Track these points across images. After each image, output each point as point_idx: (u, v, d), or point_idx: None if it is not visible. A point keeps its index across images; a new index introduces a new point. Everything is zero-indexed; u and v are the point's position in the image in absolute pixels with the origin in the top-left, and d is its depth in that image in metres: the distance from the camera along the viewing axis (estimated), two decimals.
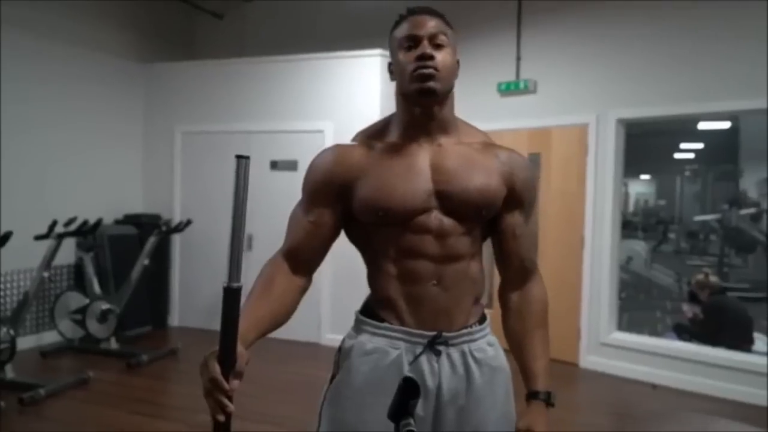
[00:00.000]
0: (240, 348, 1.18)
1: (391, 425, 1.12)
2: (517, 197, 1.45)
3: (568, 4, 5.37)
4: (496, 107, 5.76)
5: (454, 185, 1.38)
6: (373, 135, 1.49)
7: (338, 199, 1.41)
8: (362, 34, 6.06)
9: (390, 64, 1.50)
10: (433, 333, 1.38)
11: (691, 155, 15.65)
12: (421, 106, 1.41)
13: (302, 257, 1.43)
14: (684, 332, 5.79)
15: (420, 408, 1.34)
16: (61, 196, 5.41)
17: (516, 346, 1.50)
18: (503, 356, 1.52)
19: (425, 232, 1.38)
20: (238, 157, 1.14)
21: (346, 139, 5.27)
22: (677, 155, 15.75)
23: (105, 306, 5.10)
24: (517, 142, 5.64)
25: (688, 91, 4.78)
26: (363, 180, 1.39)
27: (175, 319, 6.36)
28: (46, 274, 4.66)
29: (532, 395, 1.43)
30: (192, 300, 6.18)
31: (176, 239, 6.25)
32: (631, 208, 17.89)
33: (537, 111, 5.53)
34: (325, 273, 5.76)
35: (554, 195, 5.45)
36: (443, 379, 1.38)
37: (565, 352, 5.31)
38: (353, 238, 1.51)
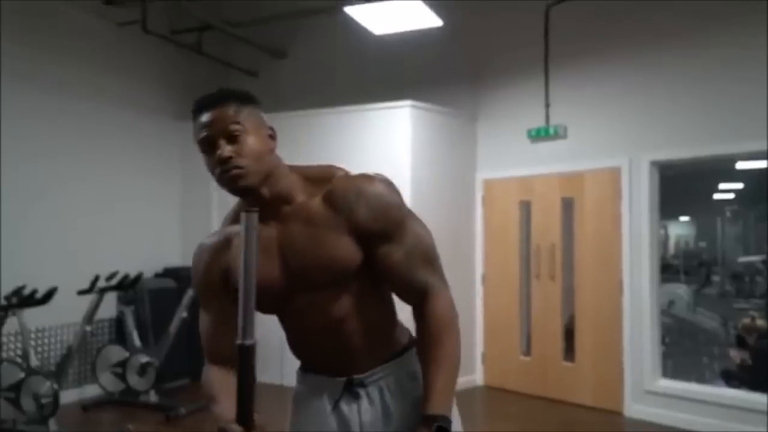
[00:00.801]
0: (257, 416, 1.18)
1: None
2: (372, 233, 1.38)
3: (594, 49, 5.43)
4: (527, 153, 5.79)
5: (302, 264, 1.37)
6: (235, 218, 1.46)
7: (225, 291, 1.40)
8: (392, 85, 6.21)
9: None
10: (344, 378, 1.46)
11: (731, 195, 15.32)
12: (245, 198, 1.41)
13: (220, 353, 1.40)
14: (732, 378, 5.57)
15: None
16: (103, 250, 5.57)
17: (422, 370, 1.41)
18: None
19: (301, 311, 1.42)
20: (246, 211, 1.13)
21: None
22: (717, 196, 15.43)
23: (145, 359, 5.16)
24: (549, 187, 5.64)
25: (723, 130, 4.74)
26: (230, 274, 1.40)
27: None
28: (88, 328, 4.77)
29: (424, 419, 1.30)
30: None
31: None
32: (671, 250, 17.49)
33: (568, 156, 5.54)
34: None
35: (589, 239, 5.40)
36: (363, 417, 1.45)
37: (608, 400, 5.16)
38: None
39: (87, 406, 5.15)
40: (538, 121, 5.71)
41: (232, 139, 1.33)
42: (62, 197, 5.32)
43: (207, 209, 6.47)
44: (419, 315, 1.43)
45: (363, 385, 1.46)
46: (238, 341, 1.13)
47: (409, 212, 1.46)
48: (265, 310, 1.41)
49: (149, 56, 6.30)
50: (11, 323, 4.42)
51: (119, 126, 5.93)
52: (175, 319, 5.33)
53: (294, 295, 1.40)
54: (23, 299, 4.38)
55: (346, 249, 1.37)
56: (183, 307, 5.38)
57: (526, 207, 5.90)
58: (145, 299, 5.65)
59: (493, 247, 6.07)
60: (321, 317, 1.41)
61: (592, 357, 5.33)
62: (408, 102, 5.65)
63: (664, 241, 14.55)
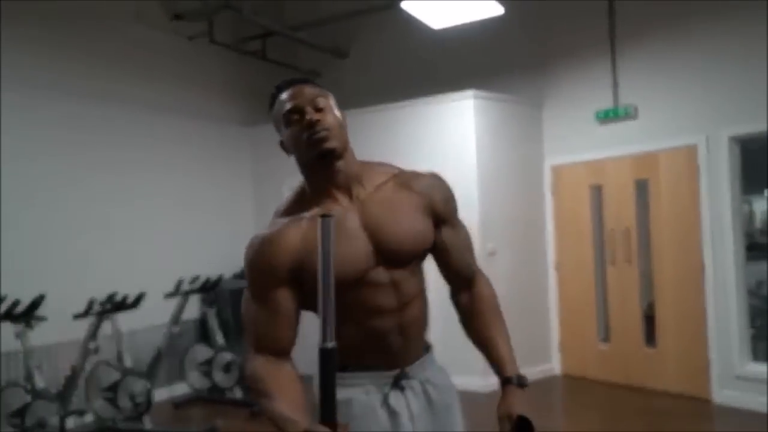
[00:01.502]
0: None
1: None
2: (441, 216, 1.54)
3: (661, 24, 5.24)
4: (596, 136, 5.65)
5: (389, 238, 1.44)
6: (293, 210, 1.49)
7: (289, 279, 1.40)
8: (454, 77, 6.19)
9: (281, 142, 1.53)
10: (395, 371, 1.50)
11: None
12: (326, 168, 1.44)
13: (276, 345, 1.41)
14: None
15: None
16: (183, 255, 5.83)
17: (480, 342, 1.60)
18: (448, 375, 1.67)
19: (378, 288, 1.44)
20: (323, 216, 1.16)
21: (447, 180, 5.30)
22: None
23: (229, 357, 5.39)
24: (621, 170, 5.48)
25: None
26: (305, 256, 1.38)
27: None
28: (175, 330, 5.02)
29: (505, 381, 1.52)
30: (306, 347, 6.38)
31: None
32: (758, 227, 16.55)
33: (640, 136, 5.36)
34: (433, 315, 5.76)
35: (666, 221, 5.21)
36: (412, 408, 1.51)
37: (695, 386, 4.98)
38: (312, 307, 1.41)
39: (178, 404, 5.42)
40: (607, 103, 5.55)
41: (319, 110, 1.43)
42: (143, 207, 5.60)
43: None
44: (471, 294, 1.62)
45: (408, 377, 1.53)
46: (320, 345, 1.16)
47: None
48: (344, 291, 1.34)
49: (216, 66, 6.53)
50: (105, 327, 4.71)
51: (192, 136, 6.17)
52: None
53: (375, 272, 1.44)
54: (116, 304, 4.66)
55: (425, 225, 1.50)
56: None
57: (597, 191, 5.75)
58: (226, 300, 5.88)
59: (564, 234, 5.96)
60: (395, 295, 1.46)
61: (676, 342, 5.16)
62: (471, 92, 5.62)
63: (749, 218, 13.79)
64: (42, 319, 4.22)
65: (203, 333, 5.92)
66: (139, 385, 4.53)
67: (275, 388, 1.35)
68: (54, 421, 4.07)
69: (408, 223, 1.47)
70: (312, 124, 1.41)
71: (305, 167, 1.49)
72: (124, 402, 4.51)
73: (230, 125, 6.66)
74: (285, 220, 1.47)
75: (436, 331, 6.48)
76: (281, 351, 1.41)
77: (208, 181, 6.34)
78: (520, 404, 1.47)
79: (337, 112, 1.49)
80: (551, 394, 5.56)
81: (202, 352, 5.53)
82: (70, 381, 4.44)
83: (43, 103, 4.93)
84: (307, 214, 1.45)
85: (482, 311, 1.61)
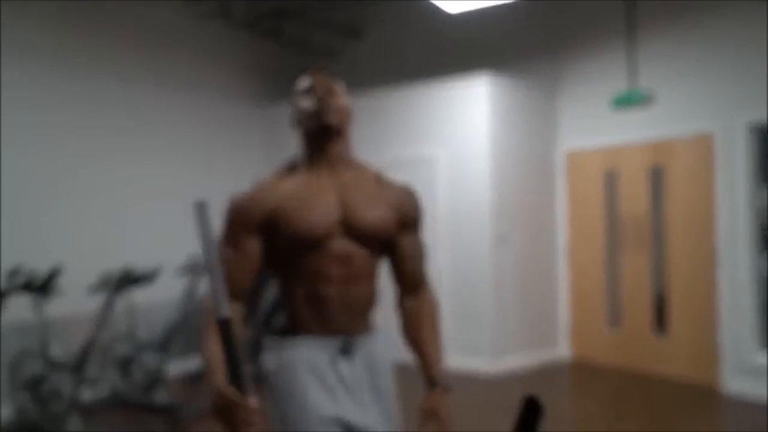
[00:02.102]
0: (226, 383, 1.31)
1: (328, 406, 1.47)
2: (407, 221, 1.69)
3: (680, 6, 5.16)
4: (611, 122, 5.60)
5: (356, 214, 1.59)
6: (283, 173, 1.66)
7: (259, 230, 1.57)
8: (469, 60, 6.14)
9: (292, 115, 1.70)
10: (341, 338, 1.60)
11: None
12: (323, 140, 1.61)
13: (234, 287, 1.56)
14: None
15: (343, 399, 1.57)
16: (194, 231, 5.86)
17: (415, 345, 1.73)
18: (389, 358, 1.74)
19: (330, 256, 1.57)
20: (197, 202, 1.25)
21: (460, 163, 5.39)
22: None
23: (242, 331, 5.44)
24: (636, 156, 5.45)
25: None
26: (278, 211, 1.56)
27: None
28: (189, 306, 5.07)
29: (432, 382, 1.67)
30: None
31: None
32: None
33: (655, 122, 5.31)
34: (443, 298, 5.80)
35: (680, 209, 5.18)
36: (354, 375, 1.61)
37: (704, 374, 4.98)
38: (271, 265, 1.63)
39: (192, 377, 5.49)
40: (623, 88, 5.50)
41: (331, 92, 1.61)
42: (157, 183, 5.64)
43: None
44: (416, 299, 1.75)
45: (355, 344, 1.64)
46: (217, 316, 1.26)
47: None
48: (305, 246, 1.55)
49: (230, 46, 6.52)
50: (120, 301, 4.77)
51: (205, 115, 6.19)
52: (266, 295, 5.57)
53: (335, 239, 1.57)
54: (131, 278, 4.71)
55: (390, 219, 1.64)
56: (269, 282, 5.61)
57: (611, 177, 5.72)
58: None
59: (577, 219, 5.94)
60: (346, 268, 1.59)
61: (686, 329, 5.15)
62: (485, 75, 5.57)
63: (766, 207, 13.67)
64: (58, 291, 4.28)
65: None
66: (152, 359, 4.59)
67: (212, 332, 1.45)
68: (68, 391, 4.14)
69: (376, 209, 1.62)
70: (324, 97, 1.59)
71: (305, 137, 1.65)
72: (138, 375, 4.58)
73: (244, 105, 6.67)
74: (271, 180, 1.64)
75: (444, 319, 6.51)
76: (238, 292, 1.57)
77: (221, 158, 6.36)
78: (445, 405, 1.62)
79: (347, 101, 1.66)
80: (559, 378, 5.58)
81: None
82: (85, 353, 4.51)
83: (58, 81, 4.97)
84: (290, 181, 1.62)
85: (422, 318, 1.74)
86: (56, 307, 4.45)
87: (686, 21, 5.15)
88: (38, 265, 4.30)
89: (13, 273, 4.06)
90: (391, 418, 1.68)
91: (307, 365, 1.58)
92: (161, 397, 4.63)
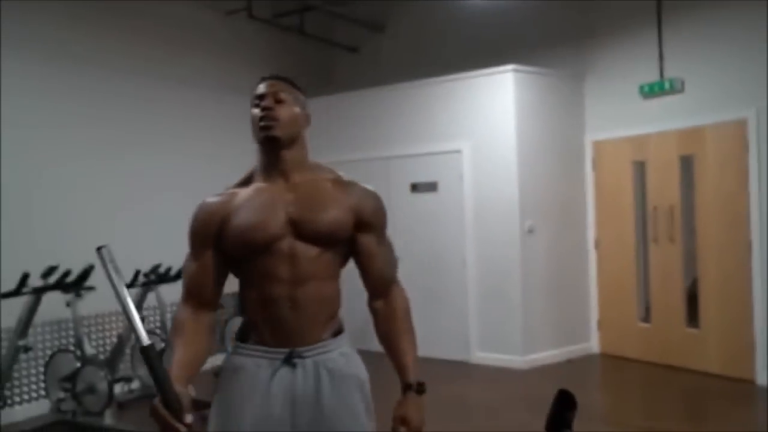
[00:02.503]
0: (179, 388, 1.39)
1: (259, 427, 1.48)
2: (366, 224, 1.67)
3: None
4: (640, 111, 5.50)
5: (304, 214, 1.60)
6: (239, 184, 1.69)
7: (215, 242, 1.62)
8: (493, 51, 6.09)
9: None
10: (288, 349, 1.59)
11: None
12: (271, 151, 1.64)
13: (200, 297, 1.63)
14: None
15: (278, 414, 1.57)
16: None
17: (387, 347, 1.72)
18: (358, 365, 1.70)
19: (279, 257, 1.58)
20: (98, 248, 1.36)
21: (486, 156, 5.34)
22: None
23: None
24: (665, 145, 5.35)
25: None
26: (230, 220, 1.60)
27: None
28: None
29: (405, 387, 1.65)
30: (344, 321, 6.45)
31: None
32: None
33: (686, 110, 5.21)
34: (472, 292, 5.78)
35: (712, 198, 5.07)
36: (297, 388, 1.59)
37: (738, 367, 4.88)
38: (234, 272, 1.68)
39: (218, 373, 5.55)
40: (651, 76, 5.39)
41: (278, 101, 1.64)
42: (183, 180, 5.69)
43: None
44: (386, 301, 1.73)
45: (302, 357, 1.61)
46: (140, 345, 1.31)
47: None
48: (255, 250, 1.58)
49: (253, 42, 6.56)
50: (150, 298, 4.85)
51: (230, 111, 6.18)
52: None
53: (283, 240, 1.58)
54: (160, 276, 4.79)
55: (342, 219, 1.63)
56: None
57: (640, 167, 5.63)
58: None
59: (605, 211, 5.86)
60: (291, 269, 1.58)
61: (719, 322, 5.05)
62: (510, 66, 5.52)
63: None
64: (91, 288, 4.36)
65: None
66: None
67: (183, 337, 1.57)
68: (102, 386, 4.22)
69: (327, 211, 1.61)
70: (265, 109, 1.62)
71: (258, 145, 1.68)
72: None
73: None
74: (229, 191, 1.67)
75: (474, 313, 6.49)
76: (205, 303, 1.63)
77: (247, 154, 6.38)
78: (417, 411, 1.62)
79: (296, 109, 1.67)
80: (589, 373, 5.52)
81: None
82: (117, 349, 4.59)
83: (80, 77, 5.02)
84: (244, 190, 1.66)
85: (394, 320, 1.72)
86: (89, 305, 4.54)
87: (715, 6, 5.03)
88: (72, 263, 4.38)
89: (48, 272, 4.14)
90: None
91: (247, 376, 1.61)
92: (191, 391, 4.68)
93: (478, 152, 5.72)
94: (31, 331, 4.18)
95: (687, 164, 5.27)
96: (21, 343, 3.76)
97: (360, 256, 1.70)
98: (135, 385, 4.86)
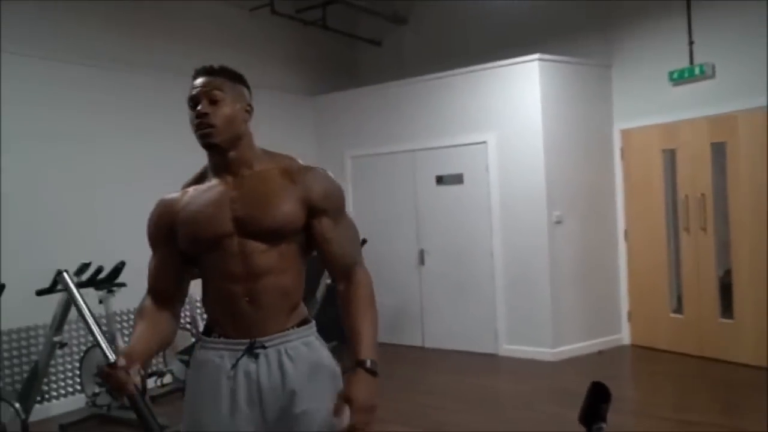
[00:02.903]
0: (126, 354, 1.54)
1: (222, 425, 1.56)
2: (317, 208, 1.64)
3: None
4: (669, 98, 5.40)
5: (248, 211, 1.59)
6: (192, 182, 1.71)
7: (169, 240, 1.65)
8: (518, 41, 6.02)
9: None
10: (248, 340, 1.60)
11: None
12: (214, 154, 1.64)
13: (161, 293, 1.68)
14: None
15: (245, 405, 1.58)
16: None
17: (348, 328, 1.63)
18: (324, 355, 1.69)
19: (229, 254, 1.59)
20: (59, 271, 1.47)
21: (511, 146, 5.31)
22: None
23: None
24: (696, 132, 5.25)
25: None
26: (179, 218, 1.63)
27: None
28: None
29: (356, 364, 1.55)
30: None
31: None
32: None
33: (717, 97, 5.09)
34: (499, 285, 5.75)
35: (745, 186, 4.96)
36: (261, 378, 1.60)
37: None
38: (194, 267, 1.70)
39: None
40: (681, 62, 5.29)
41: (213, 102, 1.60)
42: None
43: (341, 178, 6.71)
44: (347, 282, 1.67)
45: (263, 347, 1.61)
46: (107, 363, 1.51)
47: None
48: (203, 248, 1.60)
49: (277, 37, 6.59)
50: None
51: (255, 107, 6.26)
52: (321, 285, 5.63)
53: (231, 238, 1.59)
54: None
55: (292, 210, 1.61)
56: (327, 273, 5.65)
57: (670, 156, 5.52)
58: None
59: (635, 201, 5.77)
60: (243, 265, 1.59)
61: (754, 313, 4.94)
62: (536, 56, 5.46)
63: None
64: (122, 285, 4.44)
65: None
66: None
67: (144, 318, 1.65)
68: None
69: (274, 205, 1.59)
70: (200, 116, 1.59)
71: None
72: None
73: (293, 95, 6.73)
74: (182, 189, 1.70)
75: (501, 306, 6.45)
76: (165, 296, 1.68)
77: (272, 148, 6.43)
78: (364, 390, 1.51)
79: (235, 106, 1.64)
80: (620, 365, 5.46)
81: None
82: None
83: (104, 74, 5.07)
84: (194, 188, 1.68)
85: (354, 301, 1.65)
86: (121, 301, 4.61)
87: None
88: (104, 261, 4.46)
89: (81, 269, 4.22)
90: (312, 423, 1.58)
91: (211, 369, 1.63)
92: (140, 371, 4.72)
93: (504, 143, 5.67)
94: (66, 327, 4.26)
95: (719, 151, 5.16)
96: (56, 339, 3.84)
97: (316, 241, 1.67)
98: (167, 379, 4.93)
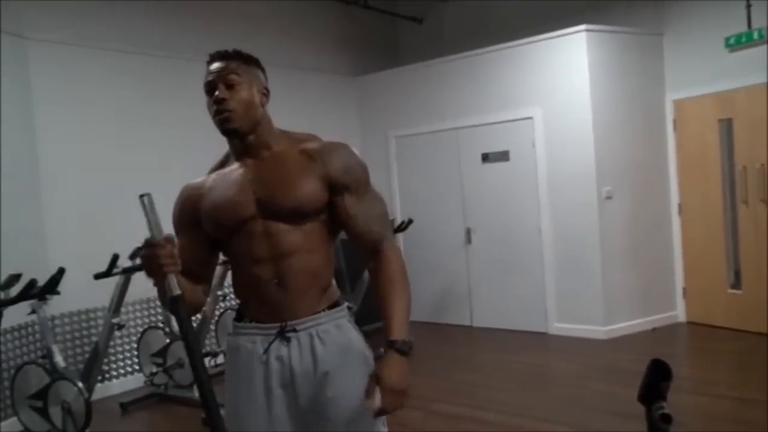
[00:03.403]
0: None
1: (258, 410, 1.55)
2: (338, 183, 1.61)
3: None
4: (725, 65, 5.17)
5: (269, 192, 1.58)
6: (216, 167, 1.71)
7: (194, 225, 1.65)
8: (563, 12, 5.85)
9: None
10: (279, 324, 1.59)
11: None
12: (233, 139, 1.63)
13: (188, 274, 1.61)
14: None
15: (279, 389, 1.58)
16: None
17: (379, 306, 1.59)
18: (355, 338, 1.67)
19: (255, 236, 1.58)
20: (140, 196, 1.48)
21: (558, 121, 5.21)
22: None
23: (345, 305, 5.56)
24: (755, 100, 5.02)
25: None
26: (203, 203, 1.63)
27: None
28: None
29: (387, 345, 1.52)
30: (419, 294, 6.44)
31: (399, 238, 6.59)
32: None
33: None
34: (548, 263, 5.66)
35: None
36: (293, 361, 1.59)
37: None
38: (222, 252, 1.70)
39: None
40: (738, 27, 5.04)
41: (230, 86, 1.59)
42: None
43: (386, 161, 6.70)
44: (376, 261, 1.63)
45: (295, 330, 1.60)
46: (168, 295, 1.45)
47: (370, 181, 1.70)
48: (228, 231, 1.59)
49: (319, 18, 6.57)
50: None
51: (299, 88, 6.26)
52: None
53: (255, 220, 1.58)
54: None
55: (313, 188, 1.59)
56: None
57: (726, 126, 5.30)
58: (339, 249, 6.05)
59: (689, 173, 5.57)
60: (269, 246, 1.58)
61: None
62: (583, 26, 5.29)
63: None
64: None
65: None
66: None
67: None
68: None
69: (294, 184, 1.58)
70: (218, 102, 1.58)
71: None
72: None
73: (336, 76, 6.72)
74: (207, 175, 1.71)
75: (551, 284, 6.38)
76: (194, 277, 1.63)
77: (320, 132, 6.44)
78: (396, 373, 1.48)
79: (252, 90, 1.62)
80: (675, 342, 5.32)
81: None
82: (202, 325, 4.78)
83: (152, 60, 5.15)
84: (218, 173, 1.68)
85: (383, 279, 1.61)
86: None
87: None
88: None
89: (135, 252, 4.33)
90: (344, 407, 1.57)
91: (244, 354, 1.63)
92: None
93: (551, 118, 5.54)
94: (123, 309, 4.40)
95: None
96: (114, 320, 3.97)
97: (339, 218, 1.63)
98: (220, 359, 5.06)
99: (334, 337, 1.62)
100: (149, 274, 1.48)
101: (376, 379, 1.48)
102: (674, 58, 5.56)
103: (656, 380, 1.01)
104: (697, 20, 5.36)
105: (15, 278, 3.42)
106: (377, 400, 1.44)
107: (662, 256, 5.69)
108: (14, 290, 3.42)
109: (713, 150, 5.35)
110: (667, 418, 0.98)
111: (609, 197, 5.40)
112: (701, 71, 5.36)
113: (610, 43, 5.43)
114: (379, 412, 1.46)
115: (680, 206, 5.66)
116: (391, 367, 1.49)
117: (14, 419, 3.96)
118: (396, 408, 1.49)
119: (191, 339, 1.48)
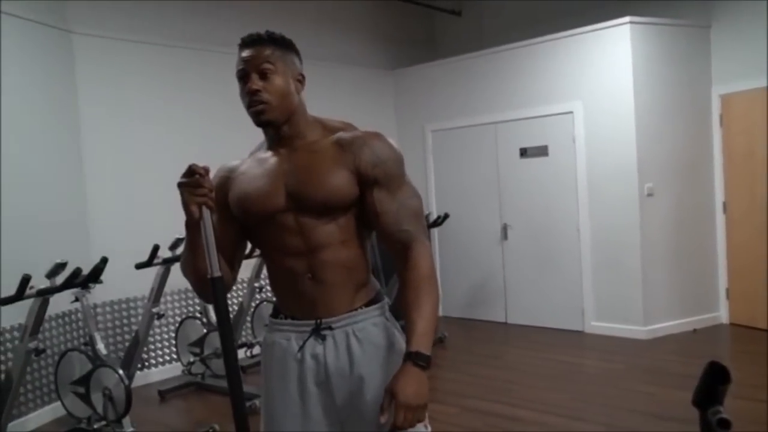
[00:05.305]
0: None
1: (292, 407, 1.54)
2: (368, 177, 1.52)
3: None
4: None
5: (299, 185, 1.52)
6: (253, 152, 1.66)
7: (224, 206, 1.59)
8: (606, 4, 5.73)
9: None
10: (315, 321, 1.55)
11: None
12: (267, 129, 1.58)
13: (223, 255, 1.56)
14: None
15: (314, 388, 1.54)
16: None
17: (403, 312, 1.50)
18: (392, 335, 1.59)
19: (286, 230, 1.53)
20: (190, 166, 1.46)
21: (600, 116, 5.11)
22: None
23: None
24: None
25: None
26: (233, 186, 1.59)
27: (439, 309, 6.68)
28: None
29: (406, 356, 1.42)
30: (453, 290, 6.43)
31: (435, 233, 6.57)
32: None
33: None
34: (586, 261, 5.57)
35: None
36: (328, 360, 1.54)
37: None
38: (251, 241, 1.66)
39: None
40: None
41: (263, 75, 1.51)
42: None
43: (422, 155, 6.67)
44: (404, 262, 1.52)
45: (330, 328, 1.55)
46: (209, 275, 1.43)
47: (406, 175, 1.59)
48: (256, 220, 1.56)
49: (358, 11, 6.57)
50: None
51: (337, 81, 6.28)
52: None
53: (286, 213, 1.53)
54: None
55: (343, 181, 1.51)
56: None
57: None
58: (374, 244, 6.05)
59: (735, 171, 5.40)
60: (302, 240, 1.53)
61: None
62: (627, 18, 5.17)
63: None
64: None
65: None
66: None
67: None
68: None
69: (323, 177, 1.51)
70: (251, 93, 1.51)
71: None
72: None
73: (373, 69, 6.71)
74: (239, 161, 1.66)
75: (588, 282, 6.26)
76: (225, 259, 1.58)
77: (358, 125, 6.44)
78: (411, 386, 1.36)
79: (287, 77, 1.54)
80: (716, 344, 5.18)
81: None
82: (238, 316, 4.84)
83: (192, 53, 5.21)
84: (252, 158, 1.64)
85: (410, 285, 1.50)
86: None
87: None
88: None
89: (175, 244, 4.40)
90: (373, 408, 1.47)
91: (279, 351, 1.59)
92: None
93: (592, 113, 5.43)
94: (162, 299, 4.48)
95: None
96: (154, 310, 4.04)
97: (369, 215, 1.53)
98: (256, 350, 5.11)
99: (372, 336, 1.56)
100: (188, 204, 1.44)
101: (390, 391, 1.37)
102: (721, 51, 5.39)
103: (713, 383, 0.97)
104: (746, 12, 5.18)
105: (60, 267, 3.50)
106: (390, 415, 1.35)
107: (705, 256, 5.54)
108: (59, 279, 3.50)
109: (761, 146, 5.18)
110: (725, 423, 0.94)
111: (650, 194, 5.27)
112: (749, 65, 5.19)
113: (655, 35, 5.29)
114: (392, 429, 1.36)
115: (725, 205, 5.50)
116: (406, 380, 1.38)
117: (58, 404, 4.07)
118: (411, 425, 1.37)
119: (225, 317, 1.46)
